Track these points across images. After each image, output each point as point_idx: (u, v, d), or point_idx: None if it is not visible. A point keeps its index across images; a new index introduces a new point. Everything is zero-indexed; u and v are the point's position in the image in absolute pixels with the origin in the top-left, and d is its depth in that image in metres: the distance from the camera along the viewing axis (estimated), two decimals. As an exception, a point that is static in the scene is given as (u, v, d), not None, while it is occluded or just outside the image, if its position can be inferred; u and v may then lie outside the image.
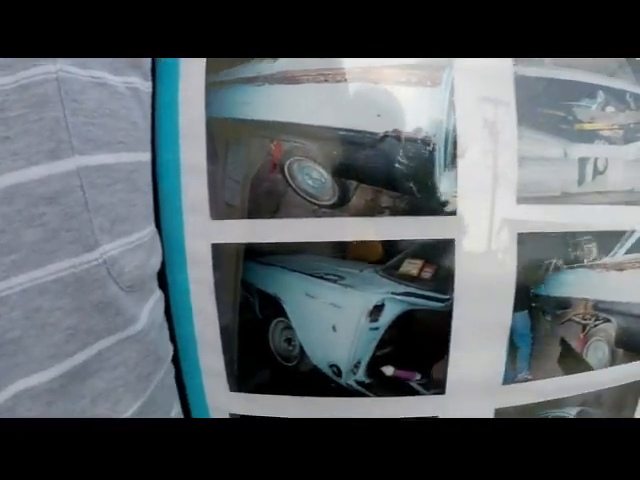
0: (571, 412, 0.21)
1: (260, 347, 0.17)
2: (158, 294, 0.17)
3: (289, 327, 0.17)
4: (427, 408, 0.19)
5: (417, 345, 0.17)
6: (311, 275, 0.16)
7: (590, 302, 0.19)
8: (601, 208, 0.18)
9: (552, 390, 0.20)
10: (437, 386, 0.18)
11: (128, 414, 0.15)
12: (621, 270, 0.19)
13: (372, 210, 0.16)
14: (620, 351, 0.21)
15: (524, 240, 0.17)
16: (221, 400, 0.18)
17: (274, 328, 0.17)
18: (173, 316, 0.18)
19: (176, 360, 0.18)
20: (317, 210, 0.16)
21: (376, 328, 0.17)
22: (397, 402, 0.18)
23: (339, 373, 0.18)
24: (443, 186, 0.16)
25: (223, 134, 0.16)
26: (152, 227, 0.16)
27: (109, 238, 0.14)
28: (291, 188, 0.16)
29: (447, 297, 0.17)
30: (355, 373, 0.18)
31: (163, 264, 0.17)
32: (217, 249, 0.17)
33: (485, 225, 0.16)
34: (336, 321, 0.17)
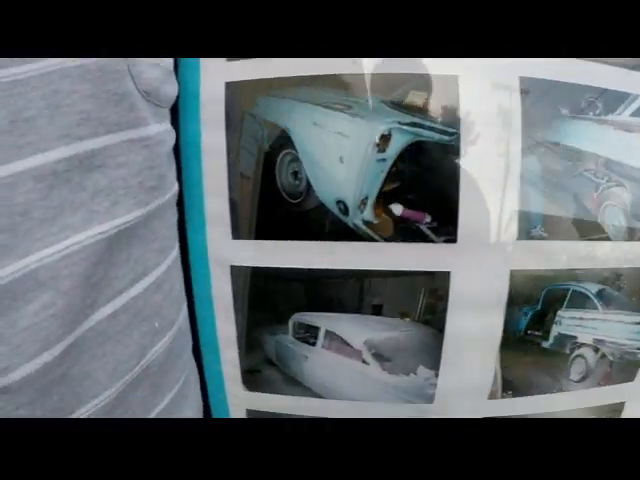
0: (592, 289, 0.20)
1: (266, 184, 0.17)
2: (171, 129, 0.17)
3: (296, 159, 0.17)
4: (439, 259, 0.18)
5: (426, 182, 0.17)
6: (320, 105, 0.17)
7: (601, 159, 0.19)
8: (604, 68, 0.18)
9: (569, 257, 0.19)
10: (448, 233, 0.18)
11: (124, 219, 0.14)
12: (629, 131, 0.19)
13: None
14: (638, 225, 0.20)
15: (528, 85, 0.17)
16: (223, 249, 0.18)
17: (281, 161, 0.17)
18: (182, 156, 0.18)
19: (181, 205, 0.18)
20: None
21: (383, 159, 0.17)
22: (406, 248, 0.18)
23: (346, 210, 0.17)
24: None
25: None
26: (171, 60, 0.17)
27: None
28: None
29: (454, 131, 0.17)
30: (362, 211, 0.17)
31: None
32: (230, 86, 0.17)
33: (488, 62, 0.17)
34: (343, 152, 0.17)
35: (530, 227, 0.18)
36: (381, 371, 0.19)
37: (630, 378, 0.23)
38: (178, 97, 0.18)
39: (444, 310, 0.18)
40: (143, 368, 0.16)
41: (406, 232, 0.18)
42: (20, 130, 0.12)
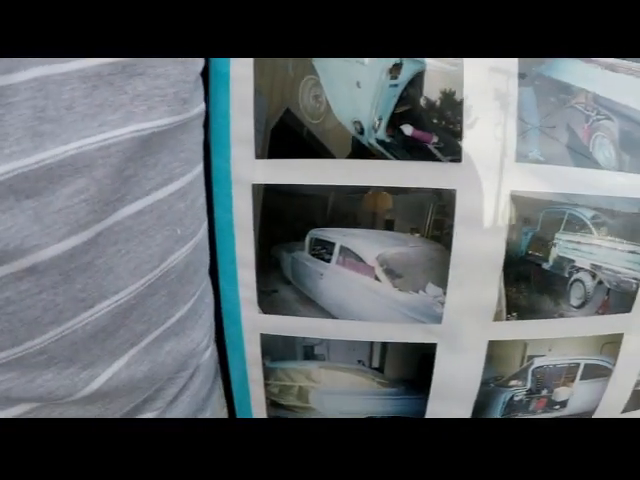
0: (587, 214, 0.21)
1: (290, 107, 0.19)
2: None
3: (317, 84, 0.19)
4: (445, 177, 0.19)
5: (433, 107, 0.19)
6: None
7: (590, 94, 0.21)
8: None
9: (564, 181, 0.20)
10: (454, 152, 0.19)
11: (158, 123, 0.16)
12: (614, 71, 0.21)
13: None
14: (627, 158, 0.22)
15: None
16: (246, 169, 0.19)
17: (304, 85, 0.19)
18: (211, 83, 0.20)
19: (207, 128, 0.19)
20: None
21: (395, 85, 0.19)
22: (416, 166, 0.19)
23: (361, 130, 0.19)
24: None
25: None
26: None
27: None
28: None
29: (457, 61, 0.19)
30: (376, 131, 0.19)
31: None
32: None
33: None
34: (360, 77, 0.19)
35: (528, 151, 0.20)
36: (392, 288, 0.21)
37: (627, 309, 0.25)
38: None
39: (451, 227, 0.20)
40: (163, 272, 0.17)
41: (415, 151, 0.19)
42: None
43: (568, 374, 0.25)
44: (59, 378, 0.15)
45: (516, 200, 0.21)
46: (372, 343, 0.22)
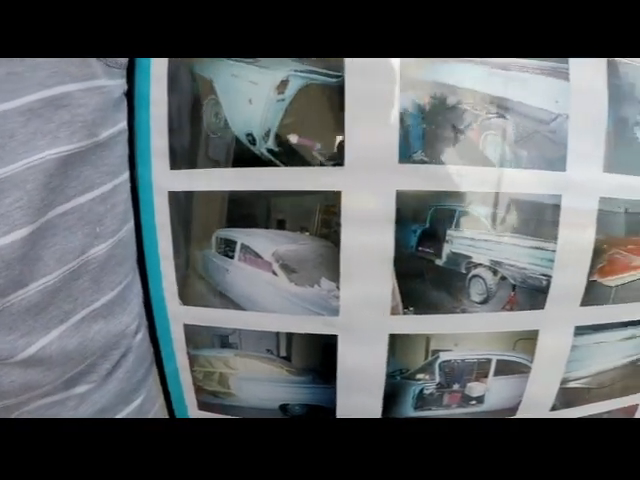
0: (481, 211, 0.22)
1: (195, 123, 0.22)
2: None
3: (218, 103, 0.22)
4: (330, 180, 0.21)
5: (316, 116, 0.21)
6: (236, 60, 0.21)
7: (478, 94, 0.21)
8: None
9: (452, 179, 0.21)
10: (336, 157, 0.21)
11: (79, 145, 0.20)
12: (507, 70, 0.21)
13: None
14: (524, 154, 0.22)
15: None
16: (164, 178, 0.23)
17: (207, 105, 0.22)
18: (135, 104, 0.23)
19: (131, 143, 0.23)
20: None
21: (282, 99, 0.21)
22: (302, 172, 0.21)
23: (254, 141, 0.22)
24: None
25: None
26: None
27: None
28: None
29: (339, 74, 0.20)
30: (266, 141, 0.21)
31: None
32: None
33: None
34: (252, 95, 0.22)
35: (411, 152, 0.21)
36: (288, 282, 0.23)
37: (540, 306, 0.24)
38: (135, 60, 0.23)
39: (338, 225, 0.22)
40: (84, 262, 0.21)
41: (301, 157, 0.22)
42: (11, 80, 0.18)
43: (480, 369, 0.25)
44: (2, 342, 0.20)
45: (402, 199, 0.22)
46: (278, 333, 0.24)
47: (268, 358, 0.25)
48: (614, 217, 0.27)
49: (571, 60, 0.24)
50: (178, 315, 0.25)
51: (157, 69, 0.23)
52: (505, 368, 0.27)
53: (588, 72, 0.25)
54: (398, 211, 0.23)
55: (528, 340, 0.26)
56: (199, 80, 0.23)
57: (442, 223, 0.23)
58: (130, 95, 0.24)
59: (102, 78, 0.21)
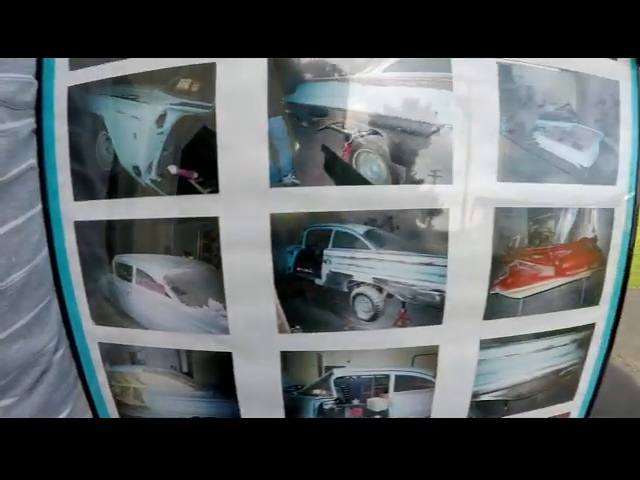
0: (358, 230, 0.22)
1: (91, 158, 0.24)
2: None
3: (108, 138, 0.23)
4: (206, 206, 0.22)
5: (192, 147, 0.22)
6: (121, 97, 0.23)
7: (349, 112, 0.21)
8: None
9: (324, 200, 0.21)
10: (212, 185, 0.22)
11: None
12: (382, 86, 0.21)
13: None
14: (402, 170, 0.21)
15: (274, 63, 0.21)
16: (70, 209, 0.25)
17: (99, 140, 0.23)
18: (44, 141, 0.25)
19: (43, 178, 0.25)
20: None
21: (162, 132, 0.22)
22: (181, 200, 0.22)
23: (139, 173, 0.23)
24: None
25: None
26: None
27: None
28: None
29: (210, 105, 0.21)
30: (150, 172, 0.23)
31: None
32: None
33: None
34: (136, 130, 0.23)
35: (282, 176, 0.21)
36: (180, 303, 0.24)
37: (437, 321, 0.24)
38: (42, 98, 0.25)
39: (218, 249, 0.22)
40: (2, 289, 0.24)
41: (181, 187, 0.23)
42: None
43: (378, 385, 0.25)
44: None
45: (276, 222, 0.23)
46: (179, 351, 0.25)
47: (172, 374, 0.27)
48: (513, 227, 0.26)
49: (455, 68, 0.23)
50: (93, 334, 0.28)
51: (59, 106, 0.25)
52: (406, 383, 0.26)
53: (475, 79, 0.24)
54: (273, 234, 0.23)
55: (428, 355, 0.26)
56: (93, 117, 0.25)
57: (318, 243, 0.23)
58: (40, 132, 0.25)
59: (7, 122, 0.24)
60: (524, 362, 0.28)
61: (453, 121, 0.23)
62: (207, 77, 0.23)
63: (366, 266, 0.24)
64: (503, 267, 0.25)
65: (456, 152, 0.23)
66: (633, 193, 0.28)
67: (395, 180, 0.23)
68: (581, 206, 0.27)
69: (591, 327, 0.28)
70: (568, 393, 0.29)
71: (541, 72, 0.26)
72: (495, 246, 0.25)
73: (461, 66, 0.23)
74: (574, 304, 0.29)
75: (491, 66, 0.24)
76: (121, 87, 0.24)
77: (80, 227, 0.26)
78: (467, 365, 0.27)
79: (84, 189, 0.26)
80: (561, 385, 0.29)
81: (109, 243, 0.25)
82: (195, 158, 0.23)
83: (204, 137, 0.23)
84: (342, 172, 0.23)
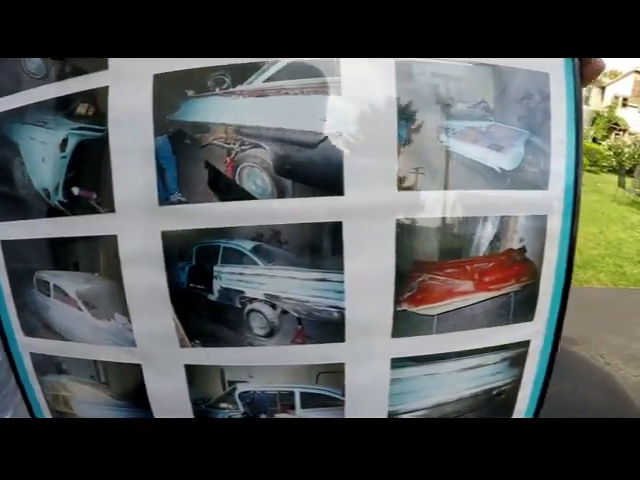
0: (246, 246, 0.21)
1: (8, 181, 0.25)
2: None
3: (23, 163, 0.25)
4: (105, 225, 0.23)
5: (91, 169, 0.23)
6: (31, 124, 0.24)
7: (231, 127, 0.21)
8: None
9: (211, 216, 0.21)
10: (109, 205, 0.22)
11: None
12: (263, 96, 0.20)
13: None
14: (288, 183, 0.20)
15: (161, 79, 0.21)
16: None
17: (16, 165, 0.25)
18: None
19: None
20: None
21: (64, 156, 0.23)
22: (84, 220, 0.24)
23: (49, 195, 0.24)
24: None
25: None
26: None
27: None
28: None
29: (104, 128, 0.22)
30: (57, 194, 0.24)
31: None
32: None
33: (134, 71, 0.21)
34: (44, 154, 0.25)
35: (169, 194, 0.22)
36: (92, 317, 0.25)
37: (339, 338, 0.23)
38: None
39: (119, 266, 0.23)
40: None
41: (84, 207, 0.24)
42: None
43: (284, 401, 0.25)
44: None
45: (167, 239, 0.23)
46: (96, 361, 0.26)
47: (93, 384, 0.28)
48: (418, 239, 0.24)
49: (344, 71, 0.22)
50: (25, 344, 0.30)
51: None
52: (312, 401, 0.26)
53: (368, 81, 0.23)
54: (165, 251, 0.24)
55: (333, 373, 0.25)
56: (10, 144, 0.27)
57: (207, 260, 0.24)
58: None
59: None
60: (447, 381, 0.27)
61: (343, 128, 0.23)
62: (101, 101, 0.25)
63: (256, 282, 0.24)
64: (410, 282, 0.24)
65: (347, 161, 0.23)
66: (571, 198, 0.25)
67: (281, 193, 0.23)
68: (503, 214, 0.25)
69: (525, 344, 0.26)
70: (503, 414, 0.27)
71: (449, 68, 0.24)
72: (399, 260, 0.24)
73: (352, 68, 0.23)
74: (503, 321, 0.27)
75: (388, 65, 0.23)
76: (33, 114, 0.26)
77: (6, 245, 0.28)
78: (378, 384, 0.26)
79: (6, 210, 0.28)
80: (494, 405, 0.28)
81: (30, 261, 0.28)
82: (93, 180, 0.25)
83: (100, 159, 0.25)
84: (226, 188, 0.23)
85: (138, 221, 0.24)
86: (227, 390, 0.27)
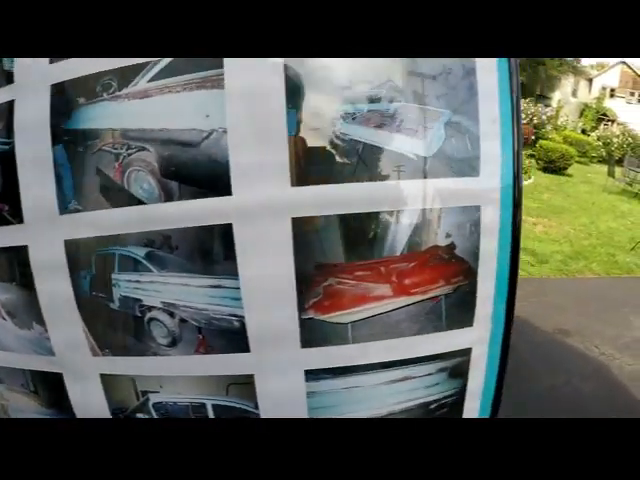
0: (139, 252, 0.20)
1: None
2: None
3: None
4: (16, 235, 0.23)
5: (2, 180, 0.23)
6: None
7: (117, 131, 0.20)
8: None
9: (105, 224, 0.20)
10: (18, 216, 0.23)
11: None
12: (147, 97, 0.19)
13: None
14: (174, 186, 0.19)
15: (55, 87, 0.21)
16: None
17: None
18: None
19: None
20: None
21: None
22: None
23: None
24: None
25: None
26: None
27: None
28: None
29: (11, 141, 0.22)
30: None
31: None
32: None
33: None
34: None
35: (67, 203, 0.21)
36: (14, 326, 0.25)
37: (243, 348, 0.21)
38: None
39: (31, 275, 0.23)
40: None
41: (1, 219, 0.24)
42: None
43: (197, 413, 0.24)
44: None
45: (70, 248, 0.23)
46: (24, 370, 0.27)
47: (24, 392, 0.29)
48: (319, 239, 0.21)
49: (227, 63, 0.20)
50: None
51: None
52: (227, 413, 0.24)
53: (254, 71, 0.20)
54: (69, 260, 0.24)
55: (243, 385, 0.24)
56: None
57: (105, 268, 0.23)
58: None
59: None
60: (371, 395, 0.24)
61: (228, 123, 0.21)
62: (9, 114, 0.25)
63: (152, 289, 0.23)
64: (314, 287, 0.22)
65: (234, 158, 0.21)
66: (510, 184, 0.20)
67: (168, 197, 0.22)
68: (420, 207, 0.22)
69: (465, 353, 0.22)
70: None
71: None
72: (299, 263, 0.22)
73: (236, 59, 0.21)
74: (434, 328, 0.24)
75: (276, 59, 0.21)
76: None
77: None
78: (294, 397, 0.24)
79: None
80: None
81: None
82: (5, 192, 0.26)
83: (9, 172, 0.25)
84: (115, 194, 0.23)
85: (43, 231, 0.25)
86: (141, 400, 0.27)
